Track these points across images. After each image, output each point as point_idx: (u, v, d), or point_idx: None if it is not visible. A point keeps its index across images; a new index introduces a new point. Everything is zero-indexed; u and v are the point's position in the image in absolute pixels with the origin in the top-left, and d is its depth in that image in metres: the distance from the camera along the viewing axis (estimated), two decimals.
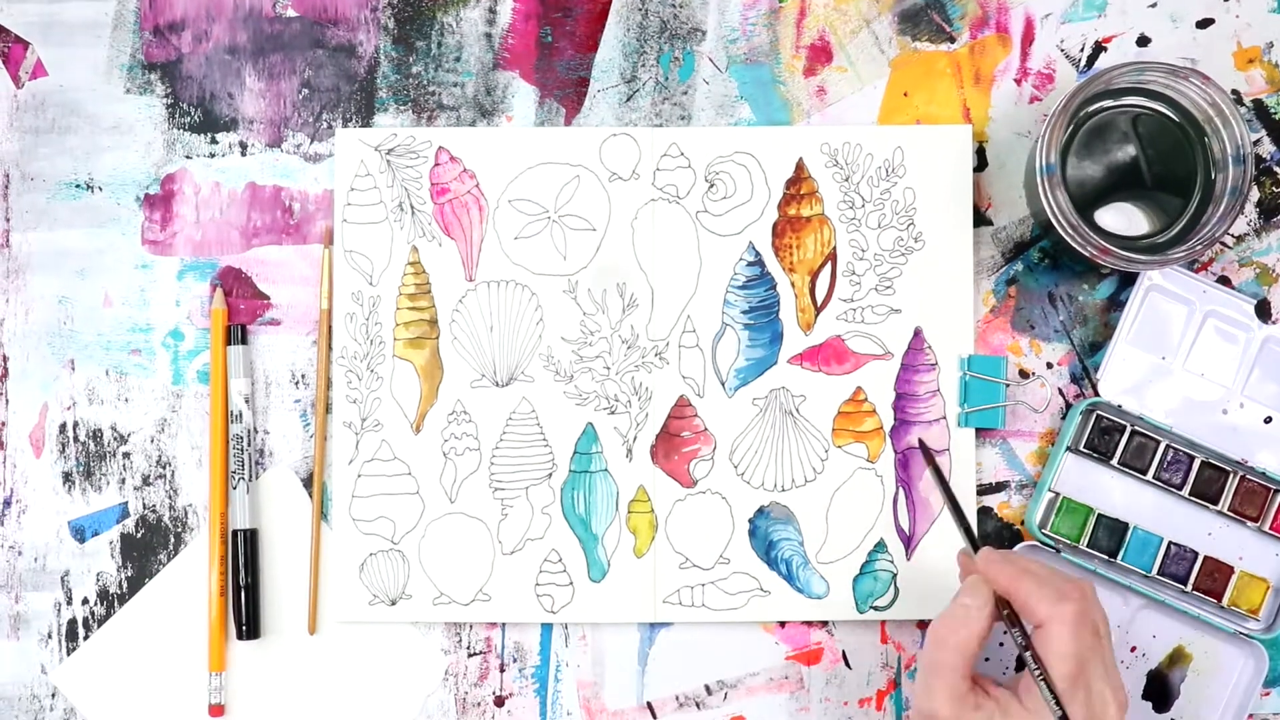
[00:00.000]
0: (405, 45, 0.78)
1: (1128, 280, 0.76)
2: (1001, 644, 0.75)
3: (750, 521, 0.76)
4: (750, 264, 0.77)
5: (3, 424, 0.77)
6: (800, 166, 0.77)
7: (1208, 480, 0.74)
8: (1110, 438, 0.74)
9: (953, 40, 0.78)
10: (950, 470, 0.75)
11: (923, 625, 0.76)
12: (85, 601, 0.76)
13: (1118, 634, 0.75)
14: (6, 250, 0.77)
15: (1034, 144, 0.73)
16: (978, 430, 0.76)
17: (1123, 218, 0.73)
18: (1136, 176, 0.73)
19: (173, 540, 0.76)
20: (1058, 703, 0.62)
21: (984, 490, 0.76)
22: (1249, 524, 0.74)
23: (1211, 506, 0.74)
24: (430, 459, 0.76)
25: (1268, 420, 0.75)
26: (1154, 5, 0.77)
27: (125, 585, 0.76)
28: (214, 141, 0.77)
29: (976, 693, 0.64)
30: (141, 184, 0.77)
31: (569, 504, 0.76)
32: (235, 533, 0.75)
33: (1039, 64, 0.77)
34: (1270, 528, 0.74)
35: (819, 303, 0.76)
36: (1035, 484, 0.76)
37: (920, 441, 0.73)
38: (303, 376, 0.77)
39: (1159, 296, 0.75)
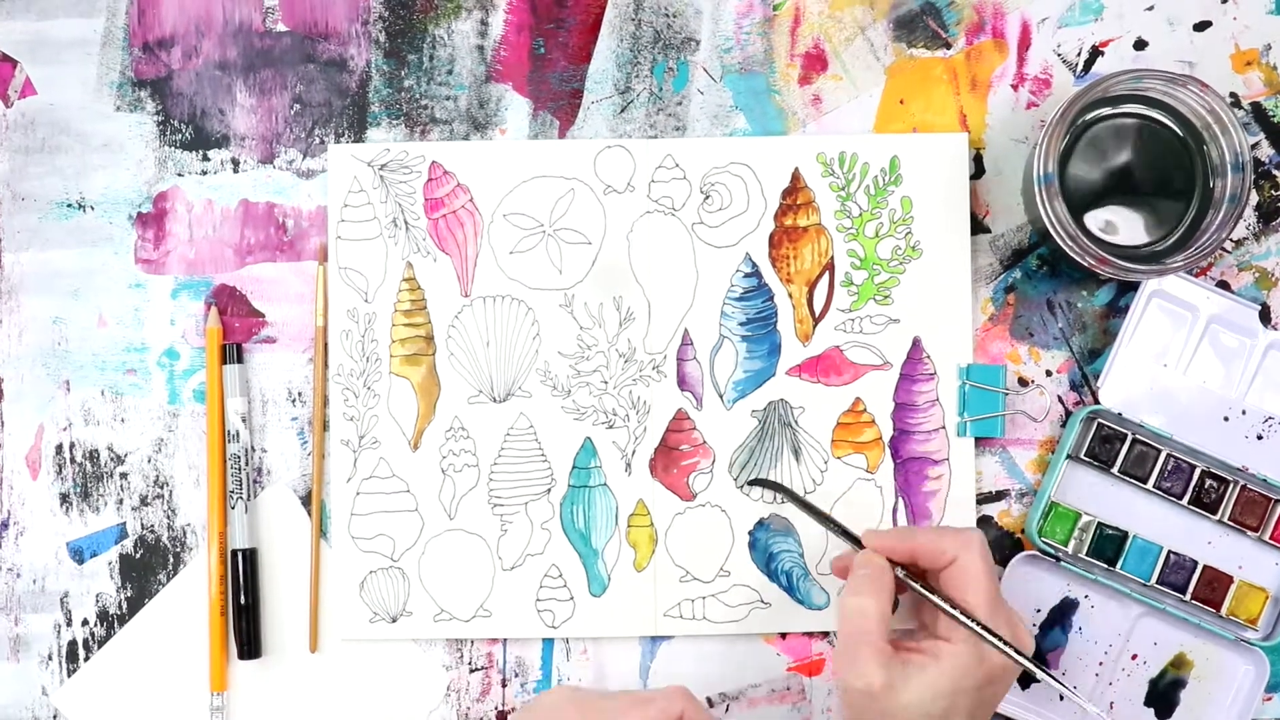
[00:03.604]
0: (397, 59, 0.77)
1: (1126, 287, 0.76)
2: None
3: (750, 534, 0.76)
4: (747, 275, 0.76)
5: None
6: (796, 176, 0.76)
7: (1208, 489, 0.74)
8: (1111, 446, 0.74)
9: (949, 46, 0.77)
10: (950, 479, 0.75)
11: None
12: (85, 623, 0.76)
13: (1118, 642, 0.75)
14: None
15: (1031, 152, 0.72)
16: (977, 439, 0.76)
17: (1119, 219, 0.73)
18: (1133, 181, 0.73)
19: (172, 560, 0.76)
20: (986, 630, 0.64)
21: (984, 499, 0.76)
22: (1249, 533, 0.74)
23: (1211, 516, 0.74)
24: (429, 476, 0.75)
25: (1269, 427, 0.74)
26: (1151, 8, 0.77)
27: (125, 606, 0.76)
28: (206, 159, 0.77)
29: (900, 652, 0.65)
30: (133, 202, 0.77)
31: (568, 519, 0.76)
32: (234, 552, 0.75)
33: (1036, 69, 0.77)
34: (1270, 537, 0.74)
35: (817, 313, 0.76)
36: (1035, 492, 0.76)
37: (761, 480, 0.75)
38: (299, 394, 0.76)
39: (1162, 303, 0.75)
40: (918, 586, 0.66)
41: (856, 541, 0.69)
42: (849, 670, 0.64)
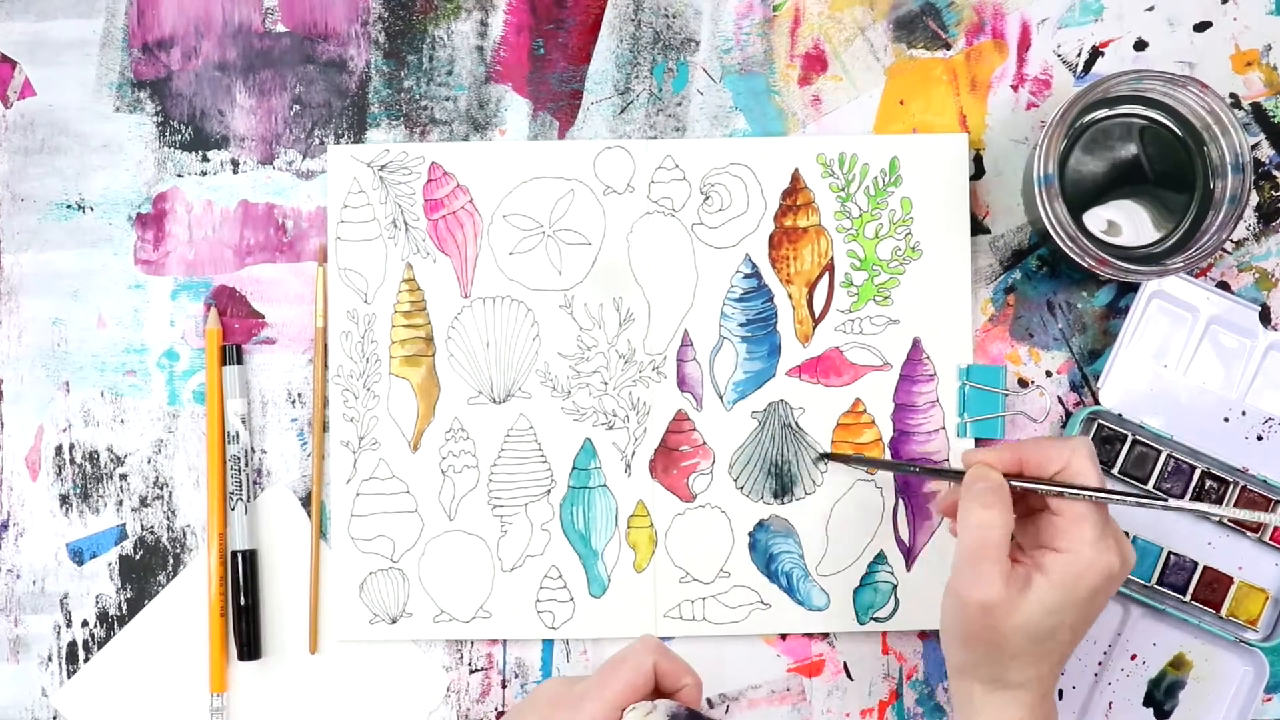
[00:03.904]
0: (396, 59, 0.77)
1: (1126, 287, 0.76)
2: None
3: (750, 535, 0.76)
4: (747, 276, 0.76)
5: None
6: (796, 177, 0.76)
7: (1208, 490, 0.74)
8: (1111, 447, 0.74)
9: (948, 47, 0.77)
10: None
11: (924, 635, 0.76)
12: (85, 624, 0.76)
13: (1118, 642, 0.75)
14: None
15: (1031, 153, 0.72)
16: (977, 440, 0.76)
17: (1120, 216, 0.73)
18: (1135, 178, 0.73)
19: (172, 561, 0.76)
20: (1120, 491, 0.64)
21: None
22: (1249, 534, 0.74)
23: (1211, 517, 0.74)
24: (428, 477, 0.75)
25: (1269, 428, 0.74)
26: (1151, 9, 0.77)
27: (125, 607, 0.76)
28: (205, 159, 0.77)
29: (1015, 566, 0.64)
30: (133, 203, 0.77)
31: (568, 520, 0.76)
32: (234, 553, 0.75)
33: (1036, 70, 0.77)
34: (1270, 538, 0.74)
35: (817, 314, 0.76)
36: None
37: (834, 455, 0.75)
38: (299, 395, 0.76)
39: (1162, 304, 0.75)
40: (1037, 486, 0.64)
41: (956, 475, 0.67)
42: (971, 583, 0.63)
